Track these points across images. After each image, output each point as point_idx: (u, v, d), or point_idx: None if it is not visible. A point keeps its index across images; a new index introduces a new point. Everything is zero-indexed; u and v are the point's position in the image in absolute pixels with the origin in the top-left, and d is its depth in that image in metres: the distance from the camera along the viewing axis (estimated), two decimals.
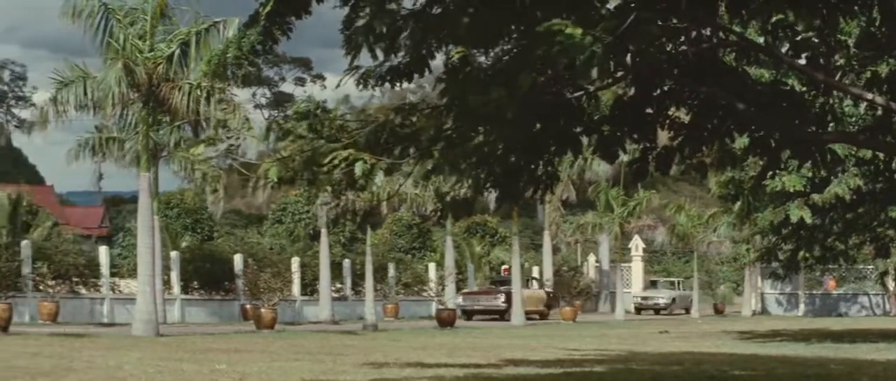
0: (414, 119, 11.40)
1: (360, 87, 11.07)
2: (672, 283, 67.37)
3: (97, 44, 30.52)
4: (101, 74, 30.33)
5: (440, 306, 43.89)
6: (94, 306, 41.77)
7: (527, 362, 22.45)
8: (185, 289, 44.82)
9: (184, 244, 51.66)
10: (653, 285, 67.76)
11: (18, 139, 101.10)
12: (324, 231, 45.87)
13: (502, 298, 49.77)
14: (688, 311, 63.56)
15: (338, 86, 11.65)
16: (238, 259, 45.74)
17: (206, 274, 45.68)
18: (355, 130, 11.25)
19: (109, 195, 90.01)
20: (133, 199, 66.29)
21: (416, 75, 10.94)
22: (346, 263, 51.67)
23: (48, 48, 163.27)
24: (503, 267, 58.99)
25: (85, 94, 30.83)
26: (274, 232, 63.80)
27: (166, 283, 41.93)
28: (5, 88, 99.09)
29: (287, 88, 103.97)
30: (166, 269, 42.12)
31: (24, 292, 37.70)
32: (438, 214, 12.81)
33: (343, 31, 10.85)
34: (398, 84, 11.07)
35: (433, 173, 12.00)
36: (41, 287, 38.82)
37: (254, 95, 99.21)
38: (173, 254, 44.51)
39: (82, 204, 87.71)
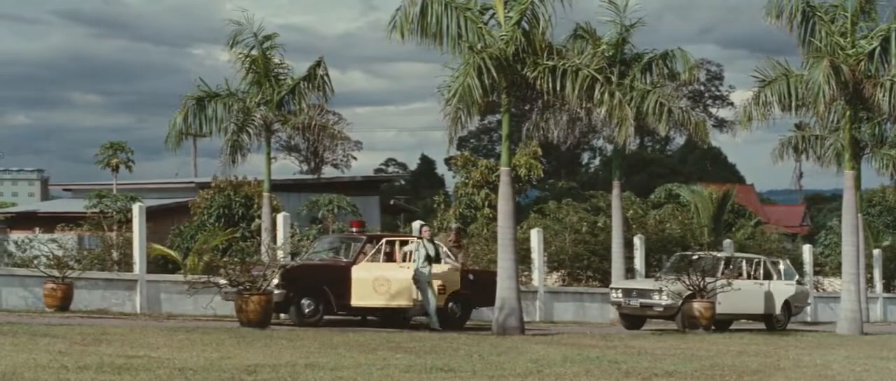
0: None
1: None
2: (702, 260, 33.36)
3: (797, 42, 31.59)
4: (805, 72, 31.32)
5: None
6: None
7: None
8: (888, 288, 45.97)
9: (885, 243, 52.33)
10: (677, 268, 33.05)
11: (717, 138, 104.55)
12: None
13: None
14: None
15: None
16: None
17: None
18: None
19: (809, 193, 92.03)
20: (833, 197, 67.98)
21: None
22: None
23: (746, 47, 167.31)
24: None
25: (787, 92, 31.76)
26: None
27: (869, 281, 42.82)
28: (702, 87, 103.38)
29: None
30: (869, 267, 42.80)
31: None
32: None
33: None
34: None
35: None
36: None
37: None
38: (876, 252, 45.50)
39: (782, 202, 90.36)
